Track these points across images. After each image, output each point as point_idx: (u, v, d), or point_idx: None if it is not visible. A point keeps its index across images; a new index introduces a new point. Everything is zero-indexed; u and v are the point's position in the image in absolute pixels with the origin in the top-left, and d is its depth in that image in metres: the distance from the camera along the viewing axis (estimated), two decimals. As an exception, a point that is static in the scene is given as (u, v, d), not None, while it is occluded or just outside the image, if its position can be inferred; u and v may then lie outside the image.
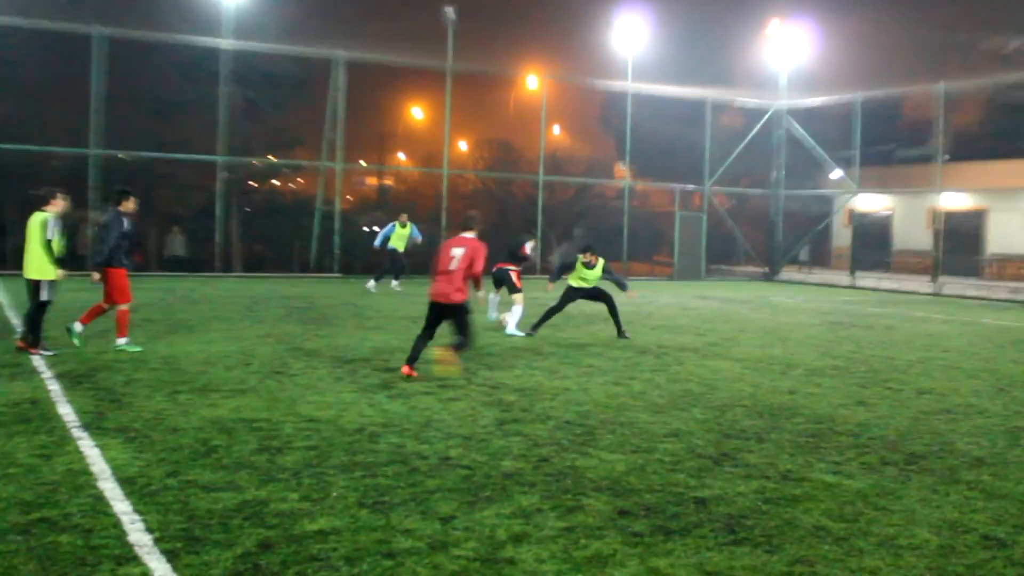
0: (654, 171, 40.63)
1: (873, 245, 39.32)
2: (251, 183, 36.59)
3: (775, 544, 5.30)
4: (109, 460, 6.54)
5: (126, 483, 6.01)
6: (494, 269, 15.91)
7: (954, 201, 36.72)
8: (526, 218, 33.83)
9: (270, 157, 36.39)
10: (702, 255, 35.64)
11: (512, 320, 15.18)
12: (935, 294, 30.04)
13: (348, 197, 40.93)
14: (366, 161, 47.64)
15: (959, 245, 36.89)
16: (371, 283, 22.72)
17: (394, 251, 22.72)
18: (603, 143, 45.80)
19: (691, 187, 37.43)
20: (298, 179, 44.05)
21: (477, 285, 10.77)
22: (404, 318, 16.73)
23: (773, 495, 6.22)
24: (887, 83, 35.34)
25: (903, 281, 32.94)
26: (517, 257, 16.30)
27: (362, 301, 20.15)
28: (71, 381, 9.49)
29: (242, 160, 31.22)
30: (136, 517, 5.37)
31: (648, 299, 22.37)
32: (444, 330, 10.65)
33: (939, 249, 32.59)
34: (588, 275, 14.99)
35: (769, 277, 36.55)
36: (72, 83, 27.95)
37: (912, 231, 38.76)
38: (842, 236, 39.51)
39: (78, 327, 11.84)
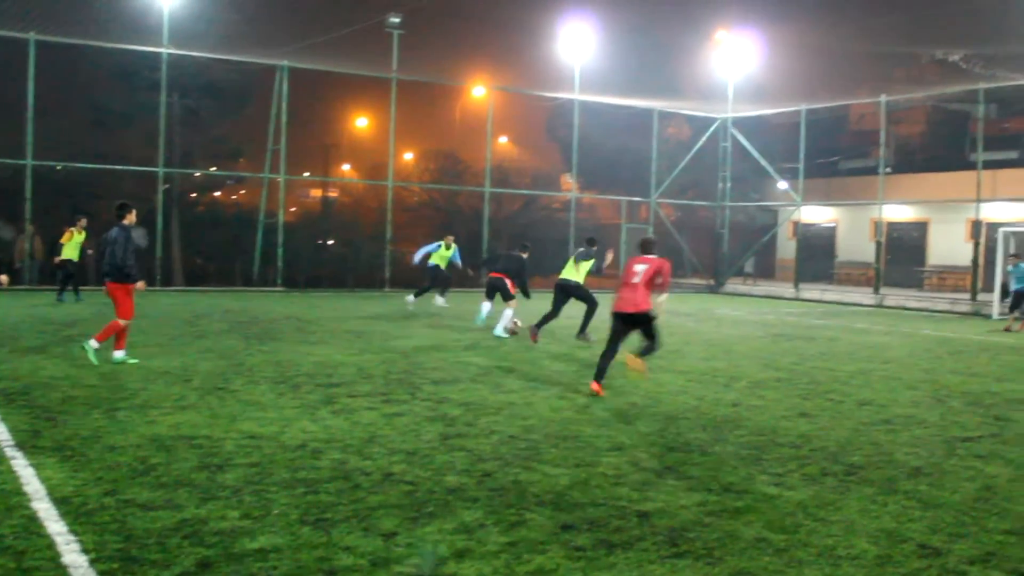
0: (601, 182, 40.99)
1: (817, 257, 39.96)
2: (192, 195, 36.28)
3: (716, 556, 5.38)
4: (44, 480, 6.46)
5: (61, 503, 5.95)
6: (489, 276, 17.32)
7: (897, 213, 37.44)
8: (471, 230, 33.92)
9: (212, 169, 36.12)
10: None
11: (501, 324, 16.66)
12: (877, 305, 30.58)
13: (292, 209, 40.74)
14: (310, 172, 47.45)
15: (901, 257, 37.63)
16: (410, 298, 21.77)
17: (436, 267, 22.08)
18: (550, 154, 46.15)
19: (637, 199, 37.76)
20: (241, 191, 43.77)
21: (660, 288, 11.25)
22: (348, 332, 16.68)
23: (715, 508, 6.32)
24: (832, 94, 35.97)
25: (846, 293, 33.49)
26: (518, 272, 17.26)
27: (306, 315, 20.05)
28: (4, 398, 9.35)
29: (183, 171, 30.95)
30: (71, 538, 5.32)
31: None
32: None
33: (881, 261, 33.18)
34: (581, 267, 15.99)
35: (714, 289, 36.97)
36: (7, 91, 27.55)
37: (856, 243, 39.44)
38: (787, 248, 40.08)
39: (119, 355, 11.94)
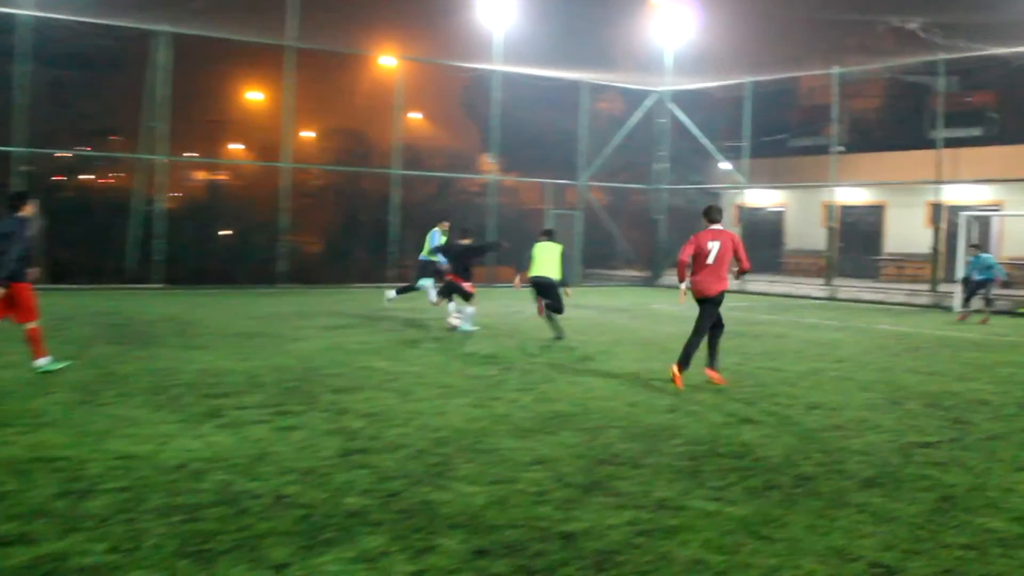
0: (524, 164, 41.04)
1: (764, 245, 40.48)
2: (57, 178, 35.51)
3: (648, 582, 5.43)
4: None
5: None
6: (447, 280, 18.39)
7: (851, 196, 38.11)
8: (377, 218, 33.76)
9: (81, 148, 35.43)
10: (577, 257, 36.09)
11: (462, 319, 17.83)
12: (830, 298, 31.16)
13: (174, 195, 40.12)
14: (195, 153, 46.76)
15: (856, 244, 38.32)
16: (432, 294, 21.28)
17: (428, 261, 21.49)
18: (467, 133, 46.06)
19: (565, 181, 37.93)
20: (114, 174, 42.95)
21: (745, 270, 12.72)
22: (237, 335, 16.47)
23: (648, 526, 6.36)
24: (780, 66, 36.48)
25: (796, 284, 34.04)
26: (467, 264, 18.32)
27: (189, 316, 19.76)
28: None
29: (46, 151, 30.25)
30: (-94, 579, 5.17)
31: (514, 309, 22.57)
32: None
33: (834, 249, 33.78)
34: (549, 258, 17.05)
35: (651, 282, 37.30)
36: None
37: (806, 229, 40.05)
38: (731, 235, 40.54)
39: (42, 362, 11.89)
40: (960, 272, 26.72)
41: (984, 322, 23.04)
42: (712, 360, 12.58)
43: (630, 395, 11.42)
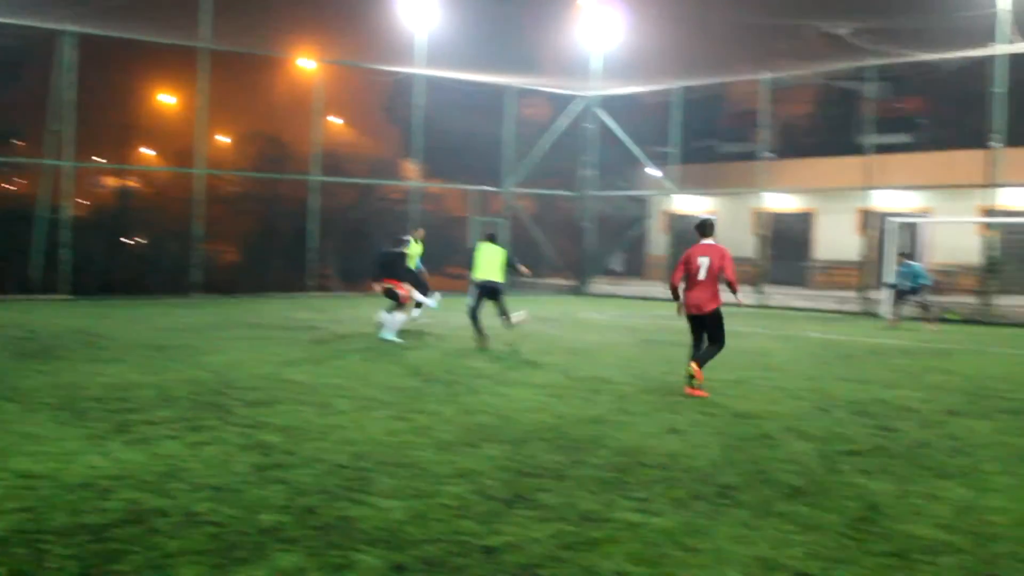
0: (448, 170, 41.06)
1: (693, 252, 40.81)
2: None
3: (571, 595, 5.47)
4: None
5: None
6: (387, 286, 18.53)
7: (781, 202, 38.66)
8: (296, 226, 33.55)
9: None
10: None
11: (391, 327, 18.01)
12: (760, 306, 31.54)
13: (81, 202, 39.52)
14: (103, 158, 46.08)
15: (786, 251, 38.89)
16: (417, 309, 20.92)
17: (413, 273, 21.04)
18: (389, 138, 45.94)
19: (490, 188, 38.01)
20: (16, 180, 42.19)
21: (734, 289, 13.02)
22: (148, 347, 16.27)
23: (571, 539, 6.40)
24: (710, 71, 36.89)
25: (726, 292, 34.32)
26: (401, 269, 18.76)
27: (97, 328, 19.47)
28: None
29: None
30: None
31: (439, 318, 22.56)
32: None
33: (764, 256, 34.23)
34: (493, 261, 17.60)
35: (578, 290, 37.49)
36: None
37: (736, 236, 40.46)
38: (659, 242, 40.93)
39: None
40: (888, 279, 27.21)
41: (933, 329, 23.46)
42: (700, 359, 12.95)
43: (556, 406, 11.48)
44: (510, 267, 18.10)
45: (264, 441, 9.10)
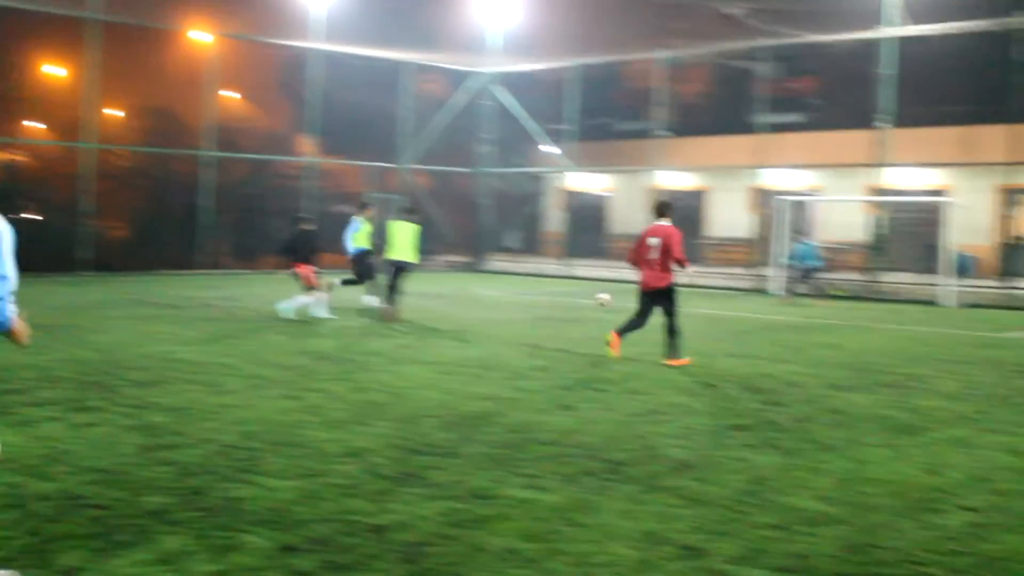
0: (345, 146, 40.68)
1: (589, 229, 41.20)
2: None
3: (459, 572, 5.48)
4: None
5: None
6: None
7: (675, 180, 39.08)
8: (188, 202, 33.00)
9: None
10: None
11: (292, 305, 17.82)
12: (654, 283, 31.83)
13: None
14: (-13, 132, 44.82)
15: (680, 228, 39.22)
16: (373, 299, 20.37)
17: (364, 251, 20.48)
18: (285, 114, 45.32)
19: (387, 165, 37.78)
20: None
21: (681, 265, 13.54)
22: (31, 326, 15.84)
23: (461, 517, 6.43)
24: (608, 48, 37.06)
25: (621, 269, 34.65)
26: (306, 251, 18.32)
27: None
28: None
29: None
30: None
31: (334, 294, 22.39)
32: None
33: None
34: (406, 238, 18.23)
35: (474, 267, 37.51)
36: None
37: (631, 213, 40.83)
38: (555, 219, 41.10)
39: None
40: (781, 257, 27.73)
41: (822, 306, 24.04)
42: (670, 351, 13.46)
43: (447, 383, 11.50)
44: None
45: (151, 422, 8.97)
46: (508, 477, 7.41)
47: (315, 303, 18.10)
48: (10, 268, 4.68)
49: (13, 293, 4.81)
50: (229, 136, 37.55)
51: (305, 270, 18.09)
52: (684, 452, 8.36)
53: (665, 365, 13.34)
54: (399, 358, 13.45)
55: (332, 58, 34.82)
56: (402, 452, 8.09)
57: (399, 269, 18.39)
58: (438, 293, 24.87)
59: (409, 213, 19.28)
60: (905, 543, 6.17)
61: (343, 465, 7.64)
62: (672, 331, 13.49)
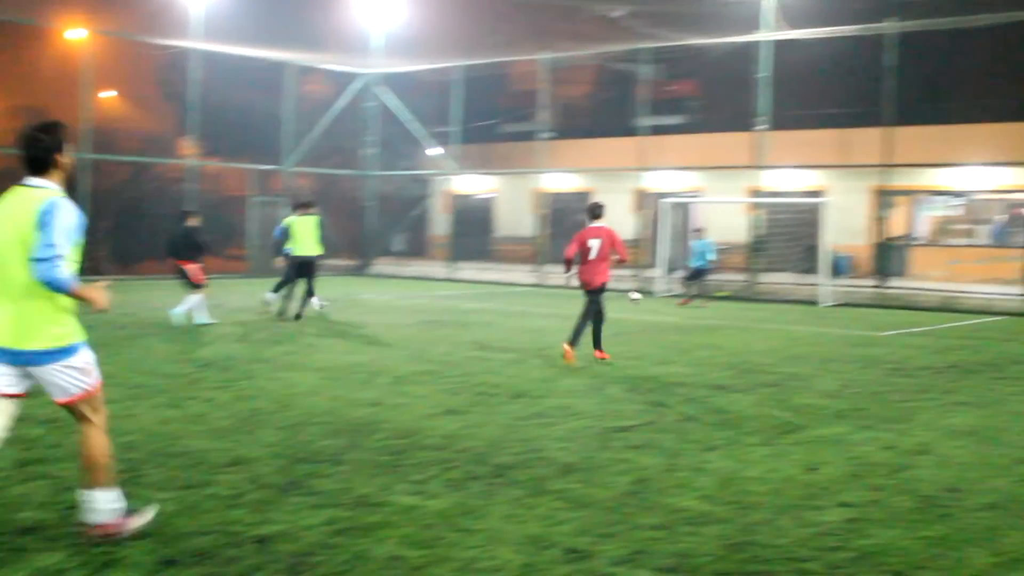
0: (227, 148, 40.14)
1: (475, 232, 41.26)
2: None
3: (344, 582, 5.47)
4: None
5: None
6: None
7: (560, 182, 39.36)
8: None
9: None
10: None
11: (183, 309, 17.62)
12: (539, 285, 32.09)
13: None
14: None
15: (566, 230, 39.58)
16: (270, 295, 20.03)
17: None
18: (165, 115, 44.54)
19: (270, 167, 37.36)
20: None
21: (623, 262, 14.69)
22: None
23: (346, 525, 6.40)
24: (491, 50, 37.13)
25: (506, 271, 34.86)
26: (195, 248, 18.12)
27: None
28: None
29: None
30: None
31: (216, 301, 22.07)
32: None
33: (544, 235, 34.80)
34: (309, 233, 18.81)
35: (360, 270, 37.30)
36: None
37: (517, 216, 41.08)
38: (441, 222, 41.07)
39: None
40: (671, 257, 28.16)
41: (684, 303, 24.48)
42: (575, 339, 14.13)
43: (333, 389, 11.42)
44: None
45: (26, 435, 8.71)
46: (394, 484, 7.39)
47: (197, 306, 17.80)
48: (59, 238, 5.59)
49: (64, 260, 5.62)
50: (107, 138, 36.73)
51: (192, 268, 17.79)
52: (569, 455, 8.43)
53: (597, 358, 14.24)
54: (285, 365, 13.31)
55: (213, 58, 34.27)
56: (287, 461, 8.02)
57: (306, 265, 19.01)
58: (324, 298, 24.64)
59: (306, 207, 19.58)
60: (785, 540, 6.31)
61: (226, 475, 7.54)
62: (589, 328, 14.36)
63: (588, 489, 7.38)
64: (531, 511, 6.81)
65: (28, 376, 5.88)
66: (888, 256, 28.84)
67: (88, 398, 6.04)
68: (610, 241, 14.31)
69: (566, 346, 13.94)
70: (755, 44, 30.40)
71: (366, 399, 10.83)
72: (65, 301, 5.78)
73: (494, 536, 6.26)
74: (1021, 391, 12.34)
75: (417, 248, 42.90)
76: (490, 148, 41.77)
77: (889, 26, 27.42)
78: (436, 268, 36.29)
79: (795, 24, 29.58)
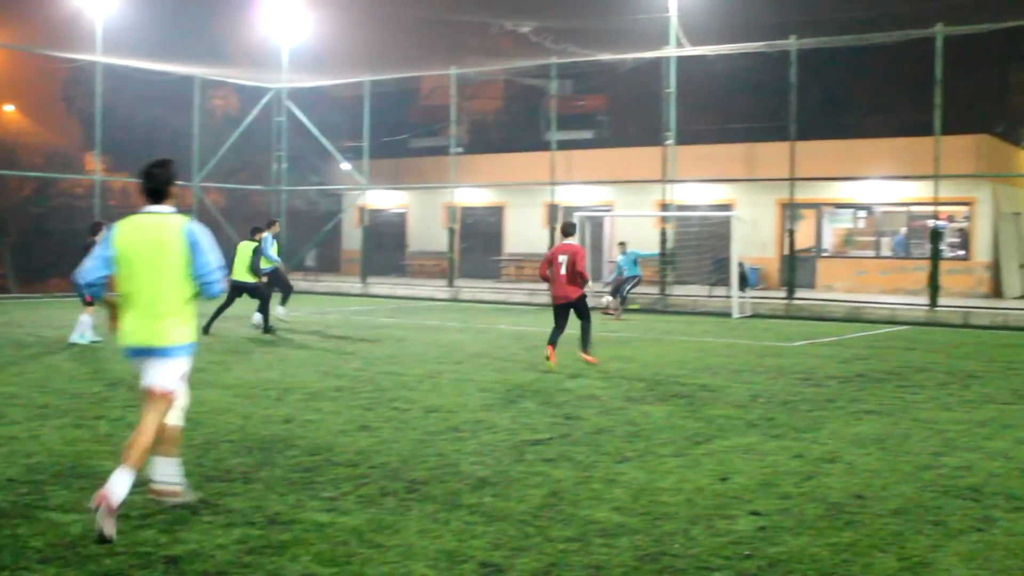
0: (133, 163, 39.47)
1: (387, 247, 41.16)
2: None
3: (256, 601, 5.41)
4: None
5: None
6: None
7: (472, 197, 39.44)
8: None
9: None
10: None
11: (83, 328, 17.16)
12: (452, 299, 32.11)
13: None
14: None
15: (477, 245, 39.73)
16: (281, 310, 21.01)
17: (272, 270, 20.54)
18: (69, 129, 43.84)
19: (179, 182, 36.82)
20: None
21: (584, 280, 15.09)
22: None
23: (258, 543, 6.33)
24: (400, 64, 37.10)
25: (419, 286, 34.81)
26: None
27: None
28: None
29: None
30: None
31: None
32: None
33: (455, 250, 34.81)
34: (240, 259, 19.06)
35: (272, 287, 36.90)
36: None
37: (429, 230, 41.05)
38: (353, 237, 40.86)
39: None
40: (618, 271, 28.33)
41: (617, 318, 24.70)
42: (585, 345, 15.30)
43: (245, 407, 11.30)
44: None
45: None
46: (307, 501, 7.33)
47: (83, 323, 17.34)
48: (213, 256, 7.02)
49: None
50: (8, 154, 36.06)
51: None
52: (483, 469, 8.43)
53: (583, 360, 15.20)
54: (196, 382, 13.01)
55: (119, 73, 33.71)
56: (197, 479, 7.89)
57: (238, 291, 19.45)
58: (234, 314, 24.33)
59: (252, 232, 19.78)
60: (697, 550, 6.38)
61: (134, 495, 7.37)
62: (586, 331, 15.33)
63: (502, 503, 7.39)
64: (445, 526, 6.79)
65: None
66: (796, 268, 29.32)
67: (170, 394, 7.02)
68: (574, 257, 14.95)
69: (588, 358, 15.17)
70: (663, 60, 30.76)
71: (278, 416, 10.73)
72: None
73: (408, 552, 6.24)
74: (925, 399, 12.62)
75: (330, 264, 42.62)
76: (402, 163, 41.74)
77: (793, 43, 27.93)
78: (349, 283, 36.09)
79: (702, 41, 30.01)
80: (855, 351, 18.29)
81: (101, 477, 7.88)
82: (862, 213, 33.66)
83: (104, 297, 7.16)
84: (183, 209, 29.77)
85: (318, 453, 8.91)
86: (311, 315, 25.37)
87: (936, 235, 26.72)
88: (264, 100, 37.70)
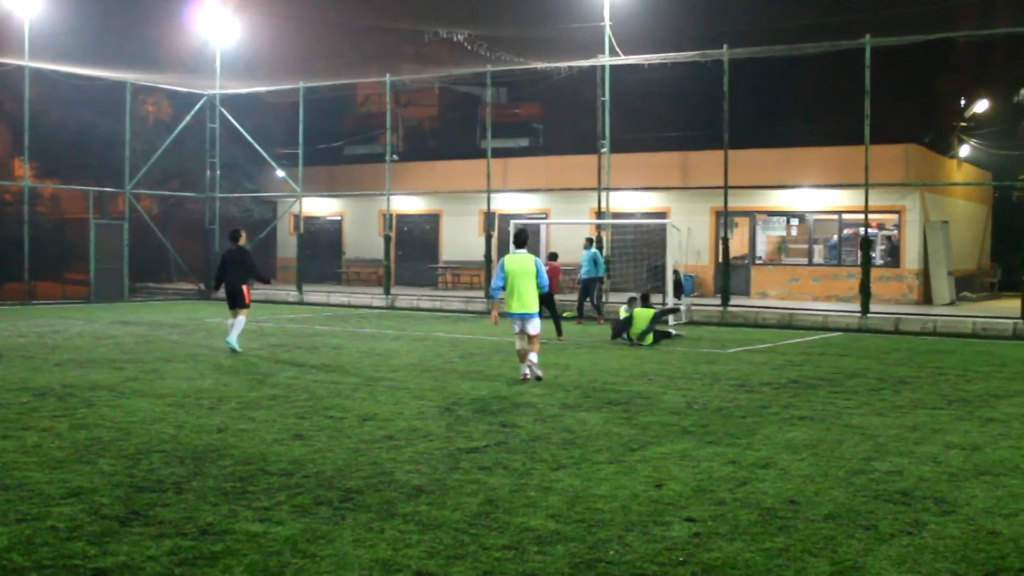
0: (64, 169, 38.99)
1: (323, 254, 40.95)
2: None
3: (188, 613, 5.34)
4: None
5: None
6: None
7: (407, 204, 39.36)
8: None
9: None
10: (124, 271, 34.66)
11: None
12: (389, 307, 31.98)
13: None
14: None
15: (414, 252, 39.65)
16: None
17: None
18: (-3, 135, 43.11)
19: (110, 189, 36.41)
20: None
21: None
22: None
23: (189, 555, 6.26)
24: (335, 71, 36.88)
25: (356, 294, 34.64)
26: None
27: None
28: None
29: None
30: None
31: (54, 328, 21.42)
32: None
33: (391, 257, 34.68)
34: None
35: (206, 295, 36.56)
36: None
37: (365, 238, 40.88)
38: (288, 245, 40.58)
39: None
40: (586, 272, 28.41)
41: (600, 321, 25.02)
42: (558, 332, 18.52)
43: (177, 416, 11.16)
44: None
45: None
46: (240, 511, 7.25)
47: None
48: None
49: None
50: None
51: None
52: (419, 477, 8.40)
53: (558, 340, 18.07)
54: (127, 391, 12.96)
55: (49, 78, 33.17)
56: (128, 490, 7.80)
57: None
58: (169, 323, 24.13)
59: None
60: (632, 556, 6.40)
61: (63, 507, 7.29)
62: (557, 320, 19.19)
63: (437, 511, 7.37)
64: (380, 535, 6.76)
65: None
66: (730, 275, 29.54)
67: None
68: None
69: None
70: (598, 69, 30.90)
71: (211, 425, 10.62)
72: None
73: (342, 561, 6.20)
74: (857, 404, 12.77)
75: (265, 271, 42.25)
76: (337, 170, 41.55)
77: (726, 52, 28.17)
78: (285, 291, 35.82)
79: (635, 50, 30.17)
80: (789, 357, 18.48)
81: (29, 488, 7.77)
82: (795, 221, 34.00)
83: None
84: (115, 217, 29.45)
85: (251, 462, 8.82)
86: (247, 323, 25.12)
87: (867, 243, 27.06)
88: (197, 106, 37.31)
